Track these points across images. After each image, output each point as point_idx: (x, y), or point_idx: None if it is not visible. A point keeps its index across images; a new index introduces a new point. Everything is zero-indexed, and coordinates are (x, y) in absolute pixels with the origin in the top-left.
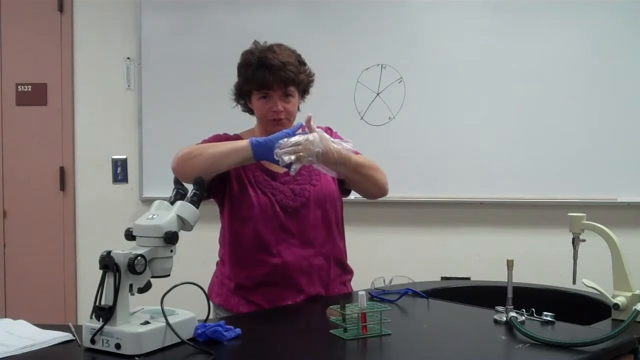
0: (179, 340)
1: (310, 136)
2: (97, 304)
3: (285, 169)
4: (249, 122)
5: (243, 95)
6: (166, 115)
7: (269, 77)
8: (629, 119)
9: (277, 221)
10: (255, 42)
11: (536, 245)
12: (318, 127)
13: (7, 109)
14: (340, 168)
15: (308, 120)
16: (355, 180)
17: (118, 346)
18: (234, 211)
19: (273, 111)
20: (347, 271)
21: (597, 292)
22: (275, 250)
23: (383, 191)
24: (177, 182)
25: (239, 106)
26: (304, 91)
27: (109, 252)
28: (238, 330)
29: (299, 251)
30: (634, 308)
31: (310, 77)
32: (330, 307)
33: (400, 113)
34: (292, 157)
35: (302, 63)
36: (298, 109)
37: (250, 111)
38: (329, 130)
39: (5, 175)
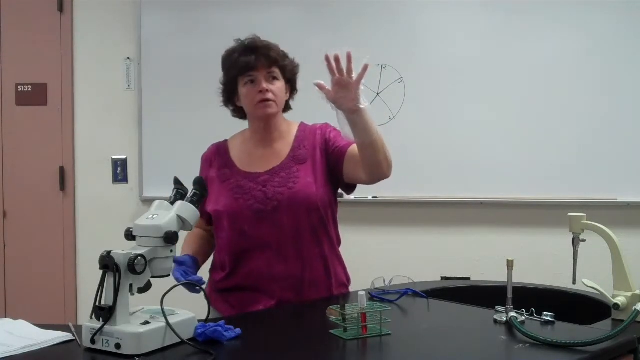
0: (179, 340)
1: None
2: (97, 304)
3: (264, 169)
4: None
5: (230, 89)
6: (166, 115)
7: (252, 58)
8: (629, 119)
9: (248, 227)
10: (237, 39)
11: (536, 245)
12: (314, 125)
13: (7, 109)
14: (365, 130)
15: (349, 58)
16: (374, 150)
17: (118, 346)
18: (213, 218)
19: (259, 92)
20: (335, 278)
21: (597, 292)
22: (246, 257)
23: (389, 169)
24: (177, 182)
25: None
26: (290, 83)
27: (109, 252)
28: (238, 330)
29: (270, 257)
30: (634, 308)
31: (295, 66)
32: (330, 307)
33: (400, 113)
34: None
35: (285, 54)
36: (289, 107)
37: (240, 113)
38: (325, 126)
39: (5, 175)
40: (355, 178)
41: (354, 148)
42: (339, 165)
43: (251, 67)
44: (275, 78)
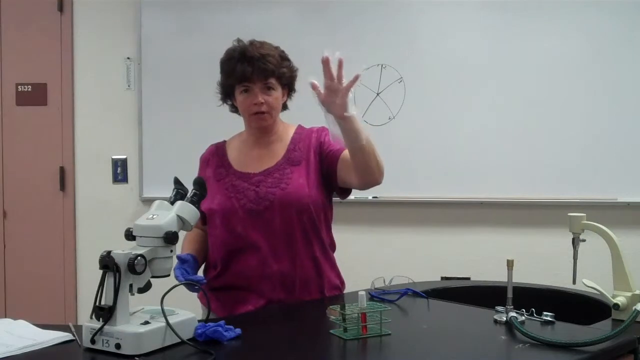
0: (179, 340)
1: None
2: (97, 304)
3: (258, 170)
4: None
5: (227, 93)
6: (166, 115)
7: (249, 69)
8: (629, 119)
9: (240, 226)
10: (238, 40)
11: (536, 245)
12: (312, 128)
13: (7, 109)
14: (353, 135)
15: (341, 64)
16: (363, 155)
17: (118, 346)
18: (208, 218)
19: (254, 104)
20: (327, 280)
21: (597, 292)
22: (238, 256)
23: (381, 176)
24: (177, 182)
25: (227, 106)
26: (288, 87)
27: (109, 252)
28: (238, 330)
29: (261, 256)
30: (634, 308)
31: (293, 71)
32: (330, 307)
33: (400, 113)
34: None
35: (284, 58)
36: (286, 107)
37: (238, 111)
38: (322, 129)
39: (5, 175)
40: (348, 182)
41: (347, 152)
42: (332, 169)
43: (247, 78)
44: (271, 88)
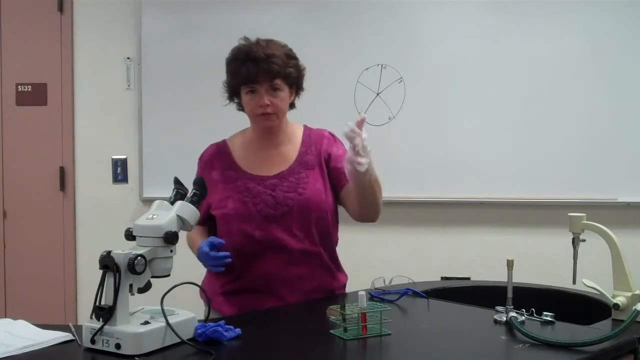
0: (179, 340)
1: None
2: (97, 304)
3: (272, 173)
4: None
5: (234, 92)
6: (166, 115)
7: (253, 70)
8: (629, 118)
9: (257, 231)
10: (245, 38)
11: (536, 245)
12: (320, 131)
13: (7, 109)
14: (365, 177)
15: (362, 121)
16: (365, 193)
17: (118, 346)
18: (218, 221)
19: (260, 105)
20: (336, 280)
21: (597, 292)
22: (254, 260)
23: (377, 215)
24: (177, 182)
25: (234, 105)
26: (296, 86)
27: (109, 252)
28: (238, 330)
29: (279, 261)
30: (634, 308)
31: (300, 70)
32: (330, 307)
33: (400, 113)
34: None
35: (290, 57)
36: (293, 106)
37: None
38: (332, 139)
39: (5, 175)
40: (346, 209)
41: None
42: (337, 187)
43: (251, 80)
44: (277, 89)
